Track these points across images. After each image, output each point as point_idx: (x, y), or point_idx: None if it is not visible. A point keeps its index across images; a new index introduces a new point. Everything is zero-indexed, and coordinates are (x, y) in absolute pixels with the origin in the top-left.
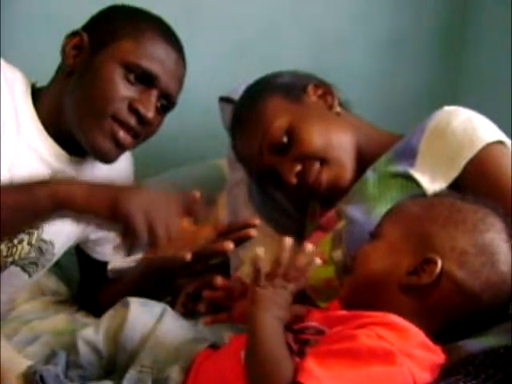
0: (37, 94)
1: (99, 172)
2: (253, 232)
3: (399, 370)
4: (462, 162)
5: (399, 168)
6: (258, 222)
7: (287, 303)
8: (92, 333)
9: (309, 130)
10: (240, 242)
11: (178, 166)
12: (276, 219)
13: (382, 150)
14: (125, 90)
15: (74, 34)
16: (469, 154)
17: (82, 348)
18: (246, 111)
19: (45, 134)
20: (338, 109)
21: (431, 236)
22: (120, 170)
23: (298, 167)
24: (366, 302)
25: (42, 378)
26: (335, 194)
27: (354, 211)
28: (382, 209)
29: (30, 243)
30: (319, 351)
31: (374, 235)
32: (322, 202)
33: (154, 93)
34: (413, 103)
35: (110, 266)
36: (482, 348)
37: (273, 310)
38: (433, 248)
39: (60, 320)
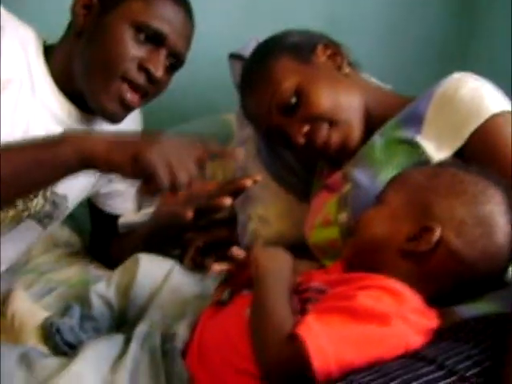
0: (48, 52)
1: (108, 129)
2: (248, 182)
3: (393, 331)
4: (467, 132)
5: (406, 134)
6: (259, 177)
7: (290, 264)
8: (104, 287)
9: (317, 91)
10: (238, 193)
11: (187, 121)
12: (283, 177)
13: (391, 112)
14: (134, 49)
15: None
16: (474, 125)
17: (95, 301)
18: (255, 71)
19: (57, 92)
20: (347, 70)
21: (432, 205)
22: (129, 127)
23: (306, 128)
24: (367, 263)
25: (58, 330)
26: (343, 155)
27: (359, 175)
28: (387, 174)
29: (44, 197)
30: (319, 308)
31: (378, 200)
32: (329, 162)
33: (163, 52)
34: (421, 61)
35: (120, 221)
36: (475, 314)
37: (277, 268)
38: (432, 217)
39: (73, 272)
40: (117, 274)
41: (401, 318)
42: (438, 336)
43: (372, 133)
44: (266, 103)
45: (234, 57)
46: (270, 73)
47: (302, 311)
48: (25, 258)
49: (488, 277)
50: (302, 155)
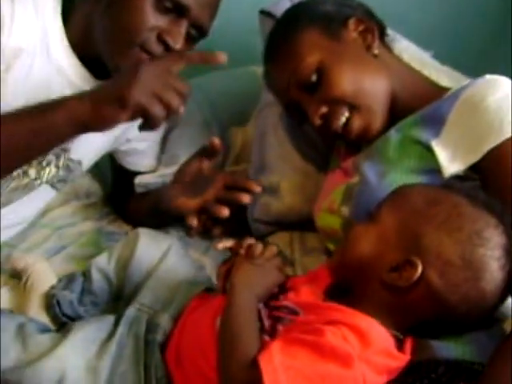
0: (67, 11)
1: None
2: (245, 198)
3: (352, 374)
4: (485, 149)
5: (423, 135)
6: (259, 189)
7: (269, 282)
8: (105, 261)
9: (340, 71)
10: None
11: (215, 71)
12: (303, 148)
13: (420, 102)
14: (154, 19)
15: None
16: (493, 142)
17: (95, 275)
18: (280, 40)
19: (73, 56)
20: (377, 51)
21: (422, 236)
22: None
23: (324, 109)
24: (349, 278)
25: (58, 302)
26: (363, 142)
27: (369, 170)
28: (396, 175)
29: (57, 166)
30: (287, 337)
31: (372, 216)
32: (348, 144)
33: (184, 23)
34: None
35: (136, 181)
36: (449, 357)
37: (253, 287)
38: (419, 250)
39: (86, 229)
40: (117, 248)
41: (364, 360)
42: (403, 376)
43: (396, 120)
44: (286, 77)
45: (264, 13)
46: (293, 45)
47: (272, 330)
48: (38, 217)
49: (467, 320)
50: (320, 133)
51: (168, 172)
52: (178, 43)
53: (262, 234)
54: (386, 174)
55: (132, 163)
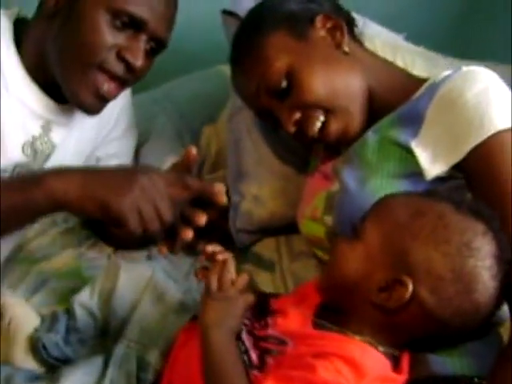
0: (20, 34)
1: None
2: (202, 220)
3: None
4: (467, 148)
5: (401, 136)
6: (224, 201)
7: (241, 311)
8: (87, 296)
9: (311, 74)
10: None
11: (182, 73)
12: (280, 152)
13: (396, 95)
14: (111, 37)
15: None
16: (475, 141)
17: (79, 312)
18: (245, 45)
19: (32, 85)
20: (347, 48)
21: (409, 253)
22: (114, 105)
23: (297, 115)
24: (339, 298)
25: (44, 346)
26: (343, 144)
27: (348, 176)
28: (376, 181)
29: None
30: (278, 374)
31: (355, 232)
32: (327, 146)
33: (143, 38)
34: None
35: None
36: (446, 372)
37: (225, 324)
38: (408, 268)
39: (66, 258)
40: (99, 281)
41: None
42: None
43: (376, 117)
44: (254, 84)
45: (226, 13)
46: (259, 51)
47: (261, 363)
48: (19, 242)
49: (462, 333)
50: (295, 139)
51: None
52: (138, 60)
53: (246, 245)
54: (366, 181)
55: None
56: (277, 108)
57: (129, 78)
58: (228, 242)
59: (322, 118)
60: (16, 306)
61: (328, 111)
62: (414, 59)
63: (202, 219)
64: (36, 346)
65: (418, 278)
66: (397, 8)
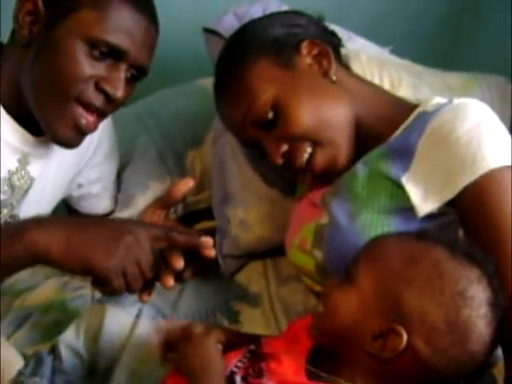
0: None
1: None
2: (179, 264)
3: None
4: (459, 185)
5: (392, 169)
6: (212, 254)
7: (218, 352)
8: (73, 336)
9: (298, 105)
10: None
11: (164, 87)
12: (266, 175)
13: (385, 123)
14: (90, 68)
15: None
16: (468, 179)
17: (65, 353)
18: (229, 74)
19: (7, 117)
20: (334, 77)
21: (403, 302)
22: (99, 131)
23: (285, 147)
24: (331, 345)
25: None
26: (330, 175)
27: (338, 210)
28: (367, 216)
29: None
30: None
31: (348, 275)
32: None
33: (123, 67)
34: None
35: None
36: None
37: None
38: (402, 317)
39: (49, 289)
40: (84, 320)
41: None
42: None
43: (363, 148)
44: (240, 116)
45: (208, 31)
46: (244, 81)
47: None
48: None
49: (460, 377)
50: (283, 169)
51: (125, 215)
52: (118, 90)
53: (232, 271)
54: (356, 215)
55: (88, 207)
56: (263, 139)
57: (108, 109)
58: (214, 268)
59: (309, 150)
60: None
61: (315, 143)
62: (400, 76)
63: (180, 264)
64: None
65: (413, 328)
66: (381, 15)
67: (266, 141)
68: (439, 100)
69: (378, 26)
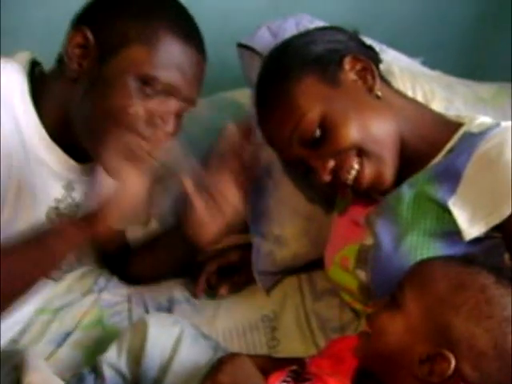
0: (39, 90)
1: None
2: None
3: None
4: (507, 212)
5: (438, 193)
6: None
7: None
8: (115, 356)
9: (345, 122)
10: None
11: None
12: (302, 190)
13: (428, 142)
14: (141, 104)
15: (77, 29)
16: None
17: (107, 373)
18: (274, 91)
19: (53, 145)
20: (379, 92)
21: (451, 328)
22: None
23: (332, 163)
24: (378, 368)
25: None
26: (375, 192)
27: (383, 232)
28: (413, 238)
29: None
30: None
31: (394, 299)
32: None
33: (174, 103)
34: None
35: (130, 238)
36: None
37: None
38: (450, 342)
39: (86, 306)
40: (126, 339)
41: None
42: None
43: (408, 168)
44: (286, 135)
45: (242, 46)
46: (290, 98)
47: None
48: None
49: None
50: (328, 186)
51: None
52: (169, 125)
53: (268, 287)
54: (401, 238)
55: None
56: (310, 157)
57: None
58: (250, 283)
59: (356, 167)
60: (35, 370)
61: (362, 157)
62: (432, 88)
63: (224, 292)
64: None
65: (461, 354)
66: (406, 25)
67: (313, 158)
68: (484, 120)
69: (404, 36)
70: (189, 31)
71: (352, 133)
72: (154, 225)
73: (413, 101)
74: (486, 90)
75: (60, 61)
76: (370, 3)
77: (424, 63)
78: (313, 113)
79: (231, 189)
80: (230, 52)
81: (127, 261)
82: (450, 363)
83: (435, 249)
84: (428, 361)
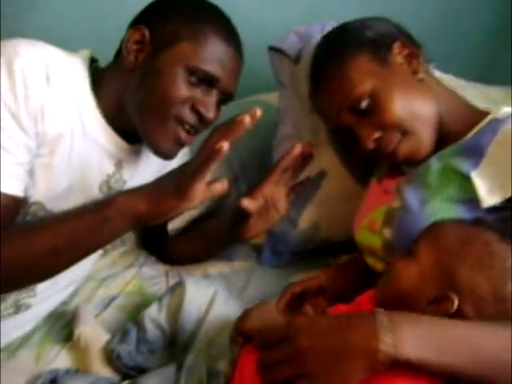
0: (96, 80)
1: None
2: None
3: None
4: None
5: (463, 165)
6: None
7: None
8: (156, 311)
9: (393, 98)
10: None
11: None
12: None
13: (460, 124)
14: (187, 91)
15: (136, 28)
16: None
17: (149, 325)
18: (329, 65)
19: (106, 126)
20: (422, 75)
21: (457, 274)
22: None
23: (377, 134)
24: (393, 309)
25: (118, 355)
26: (410, 164)
27: (410, 195)
28: (436, 203)
29: None
30: None
31: (411, 251)
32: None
33: (215, 93)
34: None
35: (169, 227)
36: None
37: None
38: (455, 287)
39: (129, 277)
40: (166, 299)
41: None
42: None
43: (441, 144)
44: (337, 102)
45: (273, 49)
46: (345, 72)
47: None
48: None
49: None
50: (367, 154)
51: (195, 213)
52: (210, 112)
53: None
54: (426, 202)
55: None
56: (357, 125)
57: (200, 128)
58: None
59: (397, 141)
60: (85, 324)
61: (404, 133)
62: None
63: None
64: (111, 357)
65: (464, 297)
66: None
67: (360, 127)
68: (509, 109)
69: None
70: (229, 33)
71: (398, 109)
72: (192, 211)
73: (449, 89)
74: (496, 92)
75: (117, 55)
76: (392, 15)
77: (437, 67)
78: (364, 85)
79: (282, 202)
80: (259, 61)
81: (165, 244)
82: (453, 303)
83: (456, 213)
84: (435, 302)
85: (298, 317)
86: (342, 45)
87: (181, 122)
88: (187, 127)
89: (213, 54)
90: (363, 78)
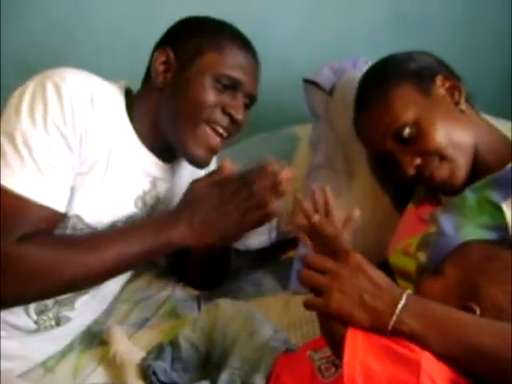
0: (131, 105)
1: (185, 172)
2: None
3: None
4: None
5: (494, 196)
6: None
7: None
8: (191, 331)
9: (434, 127)
10: None
11: (253, 135)
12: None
13: (494, 156)
14: (216, 97)
15: (161, 50)
16: None
17: (183, 344)
18: (374, 94)
19: (143, 149)
20: (464, 107)
21: (479, 288)
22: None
23: (418, 161)
24: None
25: (154, 371)
26: (444, 190)
27: (446, 222)
28: (469, 229)
29: None
30: None
31: (438, 269)
32: (429, 192)
33: (240, 96)
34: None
35: None
36: None
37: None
38: (477, 298)
39: (162, 299)
40: (200, 320)
41: None
42: None
43: (474, 177)
44: (381, 130)
45: (308, 82)
46: (389, 100)
47: None
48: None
49: None
50: (406, 181)
51: None
52: (239, 113)
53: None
54: (461, 227)
55: None
56: (400, 152)
57: (232, 131)
58: None
59: (435, 167)
60: (120, 342)
61: (442, 158)
62: None
63: None
64: (147, 372)
65: (485, 307)
66: None
67: (403, 154)
68: None
69: None
70: (245, 43)
71: (439, 137)
72: None
73: (487, 122)
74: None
75: (145, 79)
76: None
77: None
78: (408, 114)
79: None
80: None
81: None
82: (475, 313)
83: (486, 238)
84: None
85: (358, 254)
86: (387, 75)
87: (214, 124)
88: (220, 130)
89: (235, 61)
90: (407, 107)
